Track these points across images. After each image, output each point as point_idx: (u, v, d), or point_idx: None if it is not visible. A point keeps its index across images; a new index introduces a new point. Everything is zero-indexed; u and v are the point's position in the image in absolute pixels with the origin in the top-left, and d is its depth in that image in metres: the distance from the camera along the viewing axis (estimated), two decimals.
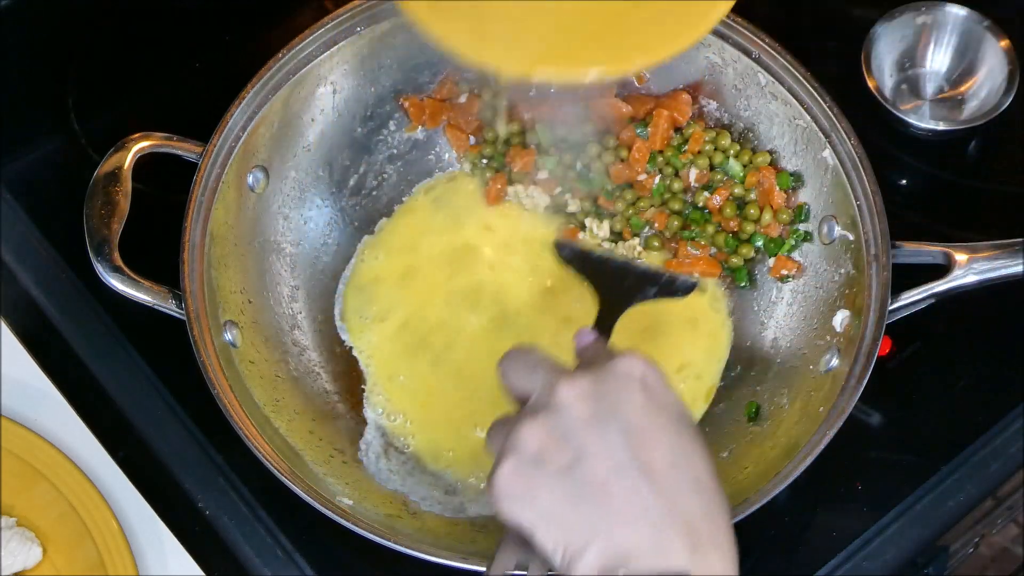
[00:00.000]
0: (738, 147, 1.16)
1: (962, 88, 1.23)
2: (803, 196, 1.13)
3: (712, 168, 1.16)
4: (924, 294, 1.03)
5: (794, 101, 1.10)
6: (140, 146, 1.06)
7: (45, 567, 1.05)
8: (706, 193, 1.16)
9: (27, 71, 1.26)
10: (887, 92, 1.21)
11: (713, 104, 1.17)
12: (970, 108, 1.22)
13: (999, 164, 1.24)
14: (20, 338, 1.13)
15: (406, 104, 1.20)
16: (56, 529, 1.05)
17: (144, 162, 1.06)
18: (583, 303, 1.06)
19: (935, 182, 1.23)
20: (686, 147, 1.16)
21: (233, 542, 1.06)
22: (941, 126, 1.20)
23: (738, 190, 1.15)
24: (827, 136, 1.08)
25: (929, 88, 1.24)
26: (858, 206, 1.06)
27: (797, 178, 1.13)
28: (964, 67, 1.23)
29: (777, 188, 1.13)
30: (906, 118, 1.19)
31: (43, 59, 1.27)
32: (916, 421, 1.11)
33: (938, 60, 1.24)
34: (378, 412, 1.12)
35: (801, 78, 1.09)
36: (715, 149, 1.16)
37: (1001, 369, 1.12)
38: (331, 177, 1.18)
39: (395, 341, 1.15)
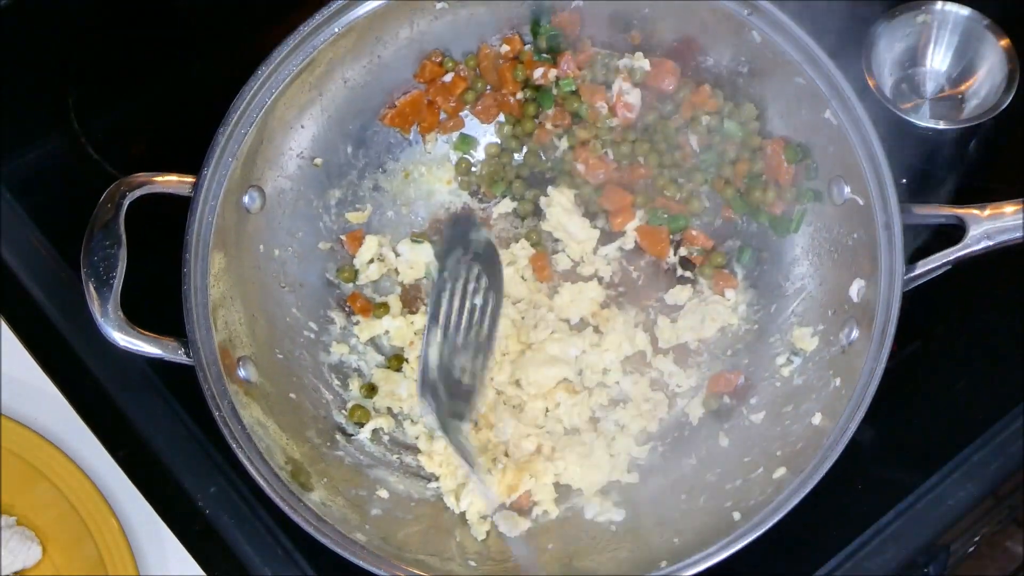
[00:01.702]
0: (732, 106, 1.15)
1: (962, 87, 1.23)
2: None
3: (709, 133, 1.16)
4: (940, 260, 1.02)
5: (794, 57, 1.09)
6: (132, 195, 1.03)
7: (45, 566, 1.05)
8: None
9: (27, 71, 1.26)
10: (887, 91, 1.21)
11: (710, 60, 1.15)
12: (970, 107, 1.22)
13: (999, 162, 1.24)
14: (20, 338, 1.13)
15: (386, 120, 1.18)
16: (56, 528, 1.05)
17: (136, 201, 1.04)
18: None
19: (935, 180, 1.23)
20: (677, 114, 1.16)
21: (233, 542, 1.06)
22: (941, 125, 1.20)
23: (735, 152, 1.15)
24: (828, 97, 1.07)
25: (929, 87, 1.24)
26: (864, 166, 1.05)
27: (804, 150, 1.12)
28: (964, 66, 1.23)
29: (785, 163, 1.13)
30: (906, 117, 1.19)
31: (43, 59, 1.27)
32: (916, 421, 1.11)
33: (938, 59, 1.24)
34: (385, 419, 1.12)
35: (797, 37, 1.08)
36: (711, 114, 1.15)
37: (1001, 369, 1.12)
38: (328, 177, 1.17)
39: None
